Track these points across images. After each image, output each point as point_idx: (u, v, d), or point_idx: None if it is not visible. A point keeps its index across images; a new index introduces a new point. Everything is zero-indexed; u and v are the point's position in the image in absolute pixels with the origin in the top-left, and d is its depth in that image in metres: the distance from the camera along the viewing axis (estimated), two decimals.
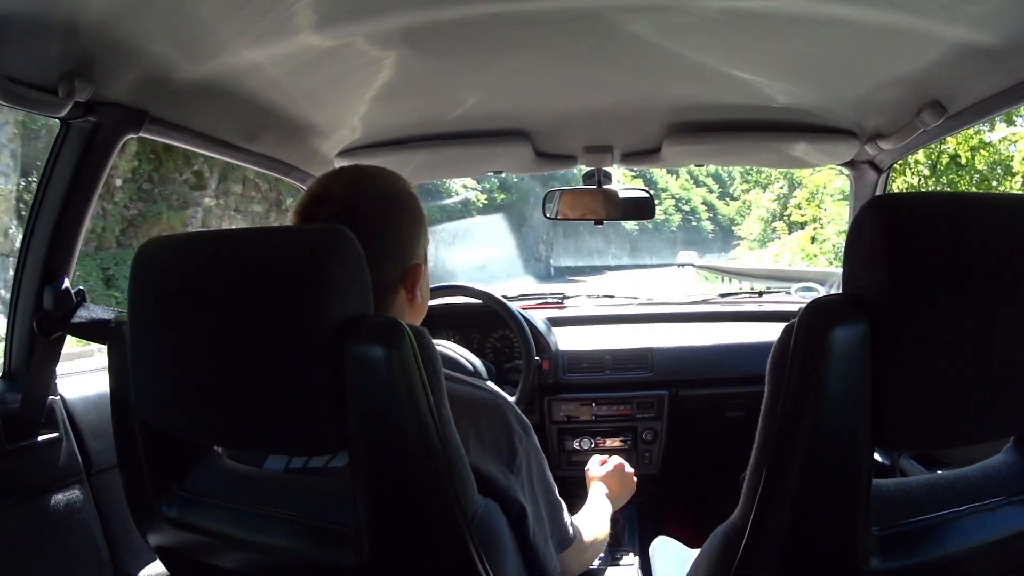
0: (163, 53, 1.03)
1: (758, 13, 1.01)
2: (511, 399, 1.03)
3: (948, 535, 0.70)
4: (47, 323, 1.15)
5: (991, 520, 0.71)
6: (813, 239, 16.82)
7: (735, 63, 1.24)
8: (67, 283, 1.15)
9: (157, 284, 0.74)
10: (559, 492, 0.98)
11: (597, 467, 1.44)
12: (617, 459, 1.46)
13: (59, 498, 1.18)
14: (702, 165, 1.92)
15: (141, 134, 1.17)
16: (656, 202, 2.01)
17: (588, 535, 1.09)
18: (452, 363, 1.67)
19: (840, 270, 0.68)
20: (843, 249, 0.68)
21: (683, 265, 33.70)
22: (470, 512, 0.71)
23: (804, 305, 0.66)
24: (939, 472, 1.04)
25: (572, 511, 1.04)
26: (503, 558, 0.77)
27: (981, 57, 1.08)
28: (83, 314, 1.15)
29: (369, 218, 0.84)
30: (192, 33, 1.01)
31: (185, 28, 0.99)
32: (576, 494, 1.97)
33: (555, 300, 2.51)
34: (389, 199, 0.88)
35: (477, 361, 1.69)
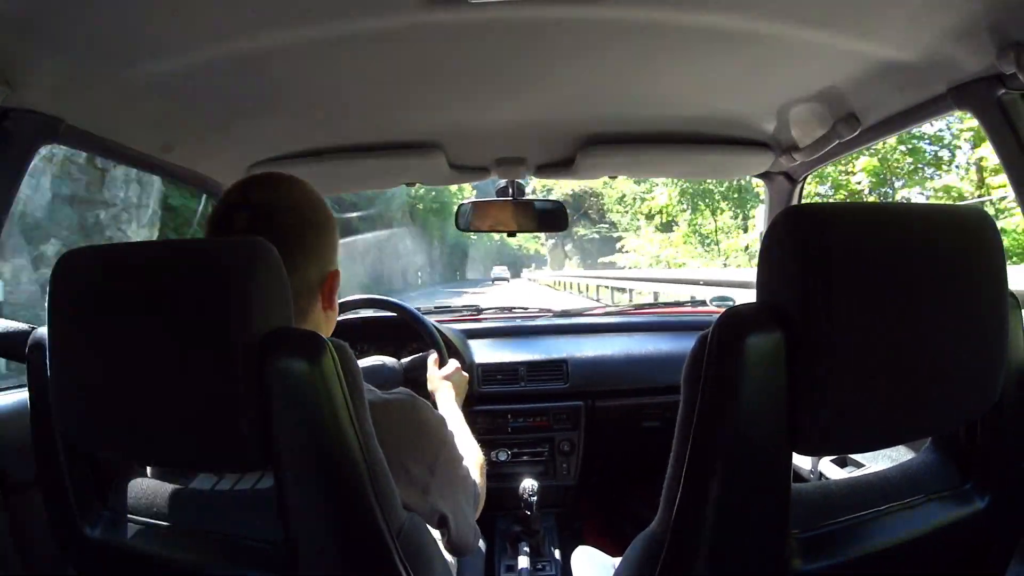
0: (79, 59, 1.00)
1: (673, 26, 1.03)
2: None
3: (869, 534, 0.73)
4: None
5: (911, 518, 0.75)
6: None
7: (650, 76, 1.26)
8: None
9: (77, 297, 0.71)
10: (477, 503, 0.98)
11: (437, 371, 1.52)
12: (454, 362, 1.56)
13: None
14: (615, 177, 1.95)
15: (56, 142, 1.14)
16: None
17: (474, 463, 1.10)
18: (367, 373, 1.64)
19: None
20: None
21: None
22: (395, 527, 0.71)
23: (719, 315, 0.67)
24: (859, 473, 1.09)
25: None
26: (430, 571, 0.78)
27: (895, 72, 1.14)
28: None
29: (288, 224, 0.84)
30: (108, 39, 0.98)
31: (102, 35, 0.96)
32: (496, 504, 1.96)
33: (470, 312, 2.50)
34: (305, 206, 0.87)
35: (389, 360, 1.67)
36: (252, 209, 0.83)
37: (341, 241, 0.96)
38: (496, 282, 35.69)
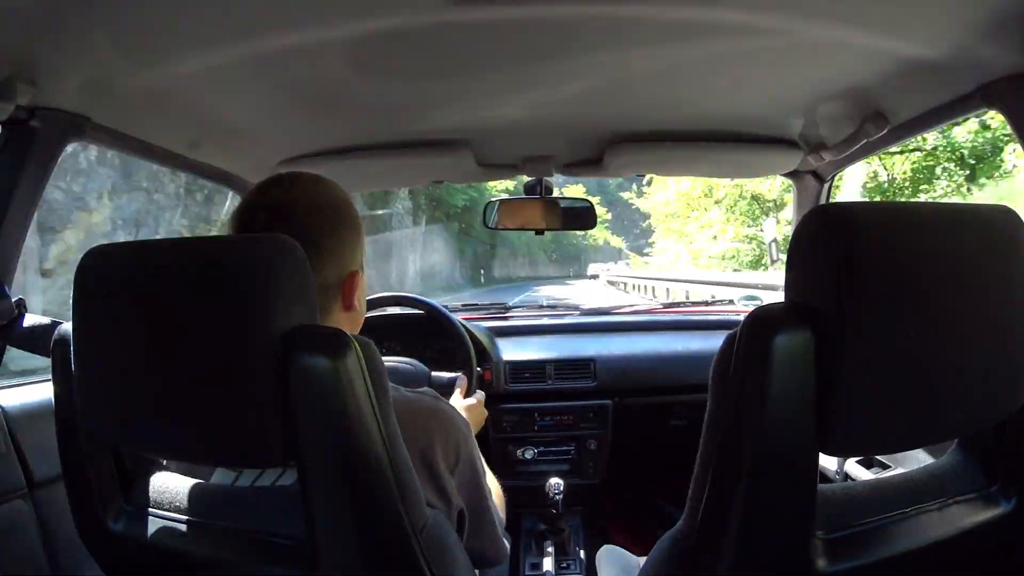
0: (106, 58, 1.01)
1: (702, 24, 1.03)
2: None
3: (894, 536, 0.72)
4: None
5: (936, 520, 0.74)
6: None
7: (678, 74, 1.25)
8: (7, 292, 1.12)
9: (101, 293, 0.71)
10: (505, 503, 0.99)
11: (460, 399, 1.53)
12: (480, 394, 1.60)
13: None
14: (643, 175, 1.95)
15: (83, 141, 1.15)
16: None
17: (495, 487, 1.11)
18: (393, 372, 1.66)
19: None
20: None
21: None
22: (419, 525, 0.71)
23: (747, 314, 0.66)
24: (885, 475, 1.08)
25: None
26: (453, 569, 0.77)
27: (924, 70, 1.12)
28: (25, 324, 1.13)
29: (305, 224, 0.83)
30: (135, 38, 0.99)
31: (128, 33, 0.97)
32: (522, 502, 1.97)
33: (498, 310, 2.50)
34: (325, 205, 0.87)
35: (417, 363, 1.69)
36: (270, 209, 0.84)
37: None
38: (592, 278, 35.97)
